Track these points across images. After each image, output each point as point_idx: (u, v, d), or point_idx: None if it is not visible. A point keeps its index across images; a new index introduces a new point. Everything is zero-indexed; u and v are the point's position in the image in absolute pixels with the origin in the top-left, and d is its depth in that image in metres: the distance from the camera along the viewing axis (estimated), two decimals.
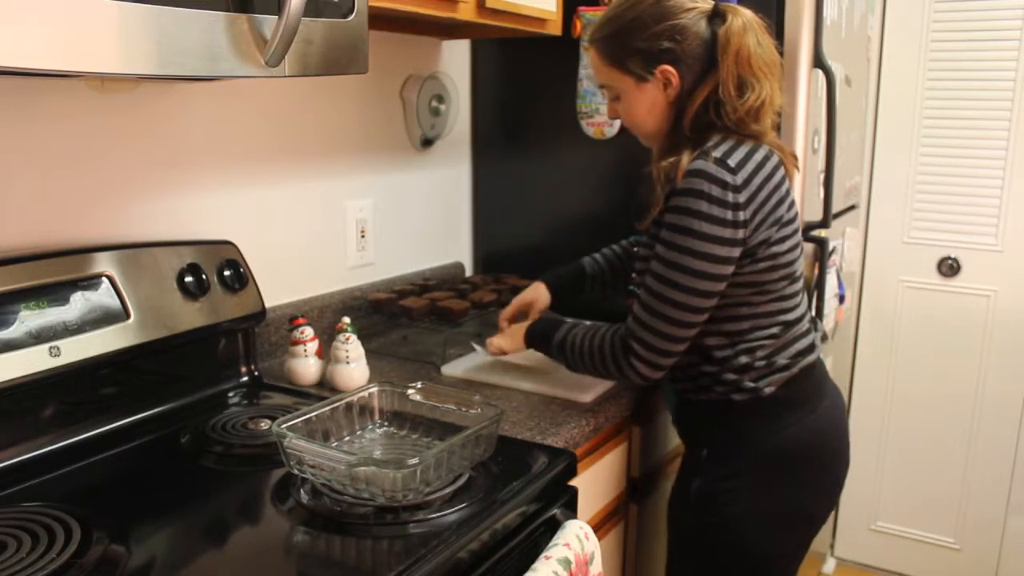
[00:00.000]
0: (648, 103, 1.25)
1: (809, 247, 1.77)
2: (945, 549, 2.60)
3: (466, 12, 1.48)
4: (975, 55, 2.33)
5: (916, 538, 2.64)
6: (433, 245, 2.04)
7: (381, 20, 1.55)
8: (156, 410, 1.28)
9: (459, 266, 2.12)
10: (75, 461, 1.14)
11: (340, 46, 1.06)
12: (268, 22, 0.96)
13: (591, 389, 1.43)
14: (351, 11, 1.06)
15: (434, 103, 1.94)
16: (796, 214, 1.26)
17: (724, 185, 1.15)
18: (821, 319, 1.78)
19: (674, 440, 1.67)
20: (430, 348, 1.69)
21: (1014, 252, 2.37)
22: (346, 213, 1.77)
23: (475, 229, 2.16)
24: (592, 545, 1.08)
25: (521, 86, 2.02)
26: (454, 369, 1.55)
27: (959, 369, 2.48)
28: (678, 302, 1.18)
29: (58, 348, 1.11)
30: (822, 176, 1.78)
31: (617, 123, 1.83)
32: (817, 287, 1.77)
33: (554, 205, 1.99)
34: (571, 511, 1.17)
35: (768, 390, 1.25)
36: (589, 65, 1.83)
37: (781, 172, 1.24)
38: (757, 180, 1.18)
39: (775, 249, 1.21)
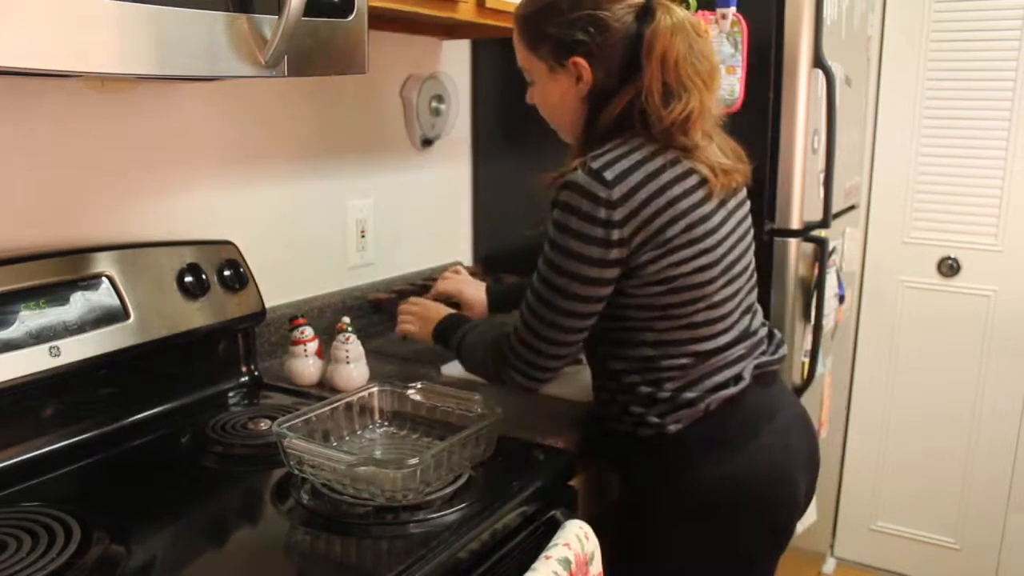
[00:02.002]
0: (558, 94, 1.18)
1: (809, 247, 1.77)
2: (945, 549, 2.60)
3: (466, 12, 1.48)
4: (975, 55, 2.33)
5: (916, 538, 2.64)
6: (433, 245, 2.04)
7: (381, 20, 1.55)
8: (156, 410, 1.28)
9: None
10: (75, 461, 1.14)
11: (340, 46, 1.06)
12: (268, 22, 0.96)
13: (591, 389, 1.43)
14: (351, 11, 1.06)
15: (434, 103, 1.94)
16: (711, 232, 1.12)
17: (595, 200, 1.06)
18: (821, 319, 1.78)
19: None
20: (430, 348, 1.68)
21: (1014, 252, 2.37)
22: (346, 213, 1.77)
23: (475, 229, 2.16)
24: (592, 545, 1.08)
25: (521, 86, 2.01)
26: (454, 369, 1.55)
27: (959, 369, 2.48)
28: (549, 320, 1.13)
29: (58, 348, 1.11)
30: (822, 176, 1.78)
31: None
32: (817, 287, 1.77)
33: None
34: (571, 511, 1.17)
35: (673, 428, 1.14)
36: None
37: (685, 187, 1.09)
38: (641, 195, 1.06)
39: (672, 272, 1.09)
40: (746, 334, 1.21)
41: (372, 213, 1.83)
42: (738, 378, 1.17)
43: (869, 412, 2.64)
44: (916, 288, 2.52)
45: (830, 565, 2.75)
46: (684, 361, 1.15)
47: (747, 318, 1.22)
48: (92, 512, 0.97)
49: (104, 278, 1.20)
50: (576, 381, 1.47)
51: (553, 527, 1.09)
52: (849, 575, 2.73)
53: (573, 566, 1.01)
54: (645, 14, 1.10)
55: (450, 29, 1.85)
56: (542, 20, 1.14)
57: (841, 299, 2.08)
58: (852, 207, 2.28)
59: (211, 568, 0.90)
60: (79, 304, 1.16)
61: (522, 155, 2.03)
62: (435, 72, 1.94)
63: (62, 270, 1.15)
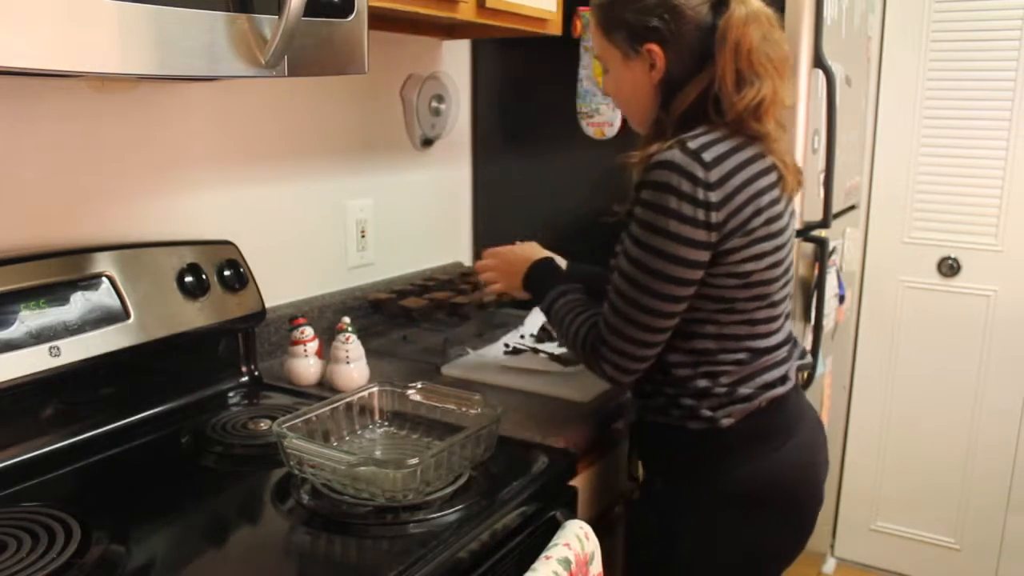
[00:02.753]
0: (631, 82, 1.18)
1: (809, 247, 1.77)
2: (945, 549, 2.60)
3: (466, 12, 1.48)
4: (975, 55, 2.33)
5: (916, 538, 2.64)
6: (433, 245, 2.04)
7: (381, 20, 1.55)
8: (156, 410, 1.28)
9: (459, 266, 2.12)
10: (75, 461, 1.14)
11: (340, 46, 1.06)
12: (268, 22, 0.96)
13: (591, 389, 1.43)
14: (351, 11, 1.06)
15: (434, 103, 1.94)
16: (782, 231, 1.15)
17: (695, 180, 1.05)
18: (821, 319, 1.78)
19: None
20: (430, 348, 1.69)
21: (1014, 252, 2.37)
22: (346, 213, 1.77)
23: (475, 229, 2.16)
24: (592, 545, 1.08)
25: (521, 86, 2.02)
26: (454, 369, 1.55)
27: (959, 369, 2.48)
28: (645, 306, 1.10)
29: (58, 348, 1.11)
30: (822, 176, 1.78)
31: (617, 123, 1.83)
32: (817, 287, 1.77)
33: (554, 205, 1.99)
34: (571, 511, 1.17)
35: (726, 422, 1.15)
36: (589, 65, 1.83)
37: (768, 181, 1.12)
38: (735, 181, 1.08)
39: (749, 266, 1.11)
40: (789, 337, 1.24)
41: (372, 213, 1.83)
42: (785, 378, 1.20)
43: (869, 412, 2.64)
44: (916, 288, 2.52)
45: (830, 565, 2.75)
46: (741, 356, 1.16)
47: (788, 322, 1.26)
48: (92, 512, 0.97)
49: (104, 278, 1.20)
50: (576, 381, 1.47)
51: (553, 527, 1.09)
52: (849, 575, 2.73)
53: (573, 566, 1.01)
54: (720, 4, 1.11)
55: (450, 29, 1.85)
56: (619, 6, 1.15)
57: (841, 299, 2.08)
58: (852, 207, 2.28)
59: (211, 568, 0.90)
60: (79, 304, 1.16)
61: (522, 155, 2.03)
62: (435, 72, 1.94)
63: (62, 270, 1.15)
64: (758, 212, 1.10)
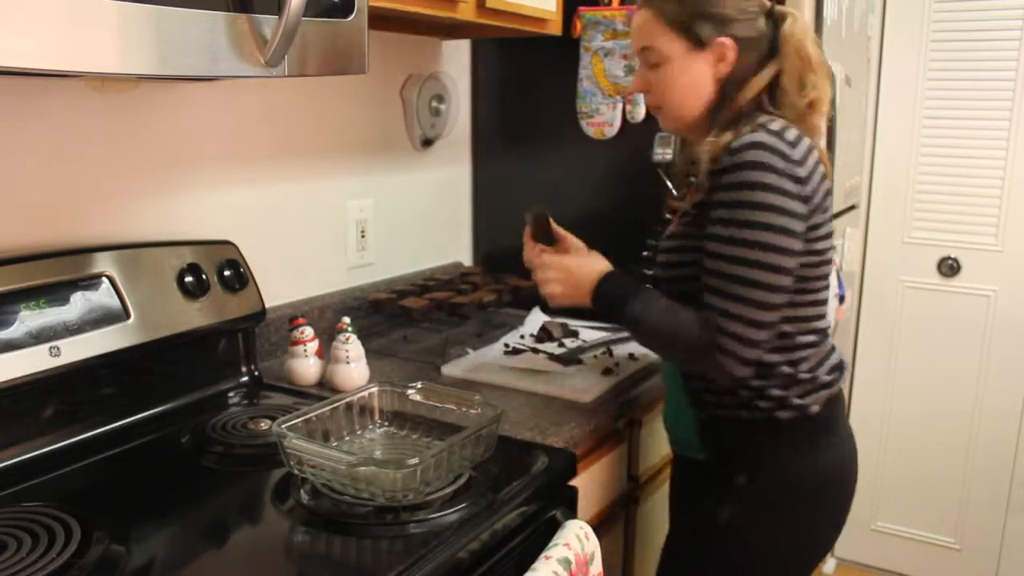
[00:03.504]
0: (692, 75, 1.18)
1: None
2: (945, 549, 2.60)
3: (466, 12, 1.48)
4: (975, 55, 2.33)
5: (916, 538, 2.64)
6: (433, 245, 2.04)
7: (381, 20, 1.55)
8: (156, 410, 1.28)
9: (459, 266, 2.12)
10: (75, 461, 1.14)
11: (340, 46, 1.06)
12: (268, 22, 0.96)
13: (591, 389, 1.43)
14: (351, 11, 1.07)
15: (434, 103, 1.94)
16: (832, 217, 1.19)
17: (786, 157, 1.09)
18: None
19: None
20: (430, 348, 1.69)
21: (1014, 252, 2.37)
22: (346, 213, 1.77)
23: (475, 229, 2.16)
24: (592, 545, 1.08)
25: (521, 86, 2.02)
26: (454, 369, 1.55)
27: (959, 369, 2.48)
28: (764, 283, 1.09)
29: (58, 348, 1.11)
30: None
31: (617, 123, 1.83)
32: None
33: (554, 205, 1.99)
34: (571, 511, 1.17)
35: (814, 408, 1.16)
36: (589, 65, 1.83)
37: (823, 169, 1.17)
38: (812, 161, 1.13)
39: (822, 244, 1.15)
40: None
41: (372, 213, 1.83)
42: (843, 365, 1.24)
43: (869, 412, 2.64)
44: (916, 288, 2.52)
45: (830, 565, 2.75)
46: (813, 339, 1.19)
47: None
48: (92, 512, 0.97)
49: (104, 278, 1.20)
50: (576, 381, 1.47)
51: (553, 527, 1.09)
52: (849, 575, 2.73)
53: (573, 566, 1.01)
54: (771, 15, 1.19)
55: (450, 29, 1.85)
56: (699, 1, 1.17)
57: (841, 299, 2.07)
58: (852, 207, 2.28)
59: (211, 568, 0.90)
60: (79, 304, 1.16)
61: (522, 155, 2.03)
62: (435, 72, 1.94)
63: (62, 270, 1.15)
64: (827, 192, 1.16)
